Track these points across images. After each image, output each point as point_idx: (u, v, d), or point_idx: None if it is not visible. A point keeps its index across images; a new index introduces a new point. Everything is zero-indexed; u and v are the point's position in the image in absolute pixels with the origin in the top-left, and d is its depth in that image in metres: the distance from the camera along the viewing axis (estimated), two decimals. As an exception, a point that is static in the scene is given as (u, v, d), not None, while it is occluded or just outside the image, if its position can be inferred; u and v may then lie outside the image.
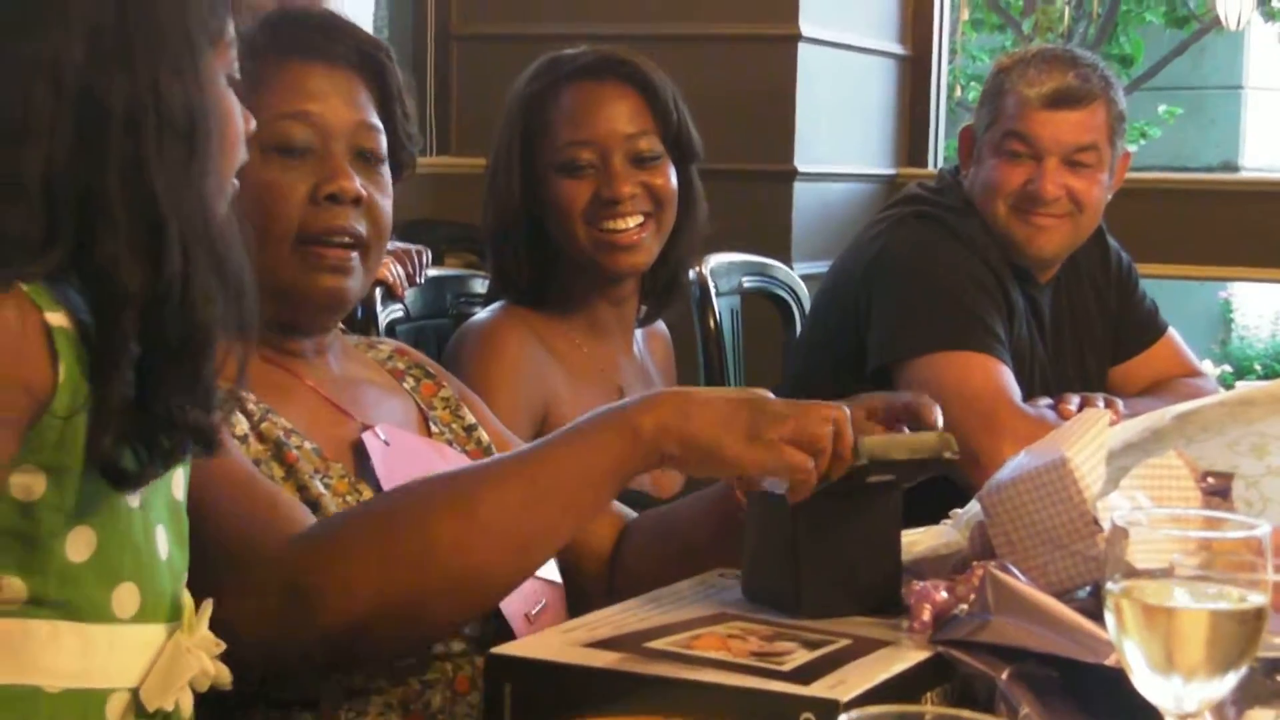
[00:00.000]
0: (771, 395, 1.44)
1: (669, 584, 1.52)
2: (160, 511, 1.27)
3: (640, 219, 2.17)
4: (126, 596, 1.22)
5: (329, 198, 1.61)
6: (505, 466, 1.45)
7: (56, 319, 1.14)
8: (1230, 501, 1.44)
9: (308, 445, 1.60)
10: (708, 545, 1.62)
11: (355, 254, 1.64)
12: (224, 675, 1.29)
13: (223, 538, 1.42)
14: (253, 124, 1.32)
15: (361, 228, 1.64)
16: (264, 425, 1.58)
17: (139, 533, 1.23)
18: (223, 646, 1.29)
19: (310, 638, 1.38)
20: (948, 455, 1.45)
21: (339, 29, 1.68)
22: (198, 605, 1.30)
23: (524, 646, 1.36)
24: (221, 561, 1.40)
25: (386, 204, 1.67)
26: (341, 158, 1.63)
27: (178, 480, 1.29)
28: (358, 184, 1.63)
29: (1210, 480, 1.42)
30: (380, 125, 1.68)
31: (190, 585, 1.33)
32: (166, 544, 1.27)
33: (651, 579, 1.54)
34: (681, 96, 2.24)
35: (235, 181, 1.30)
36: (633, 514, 1.79)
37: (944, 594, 1.39)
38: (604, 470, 1.41)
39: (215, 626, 1.31)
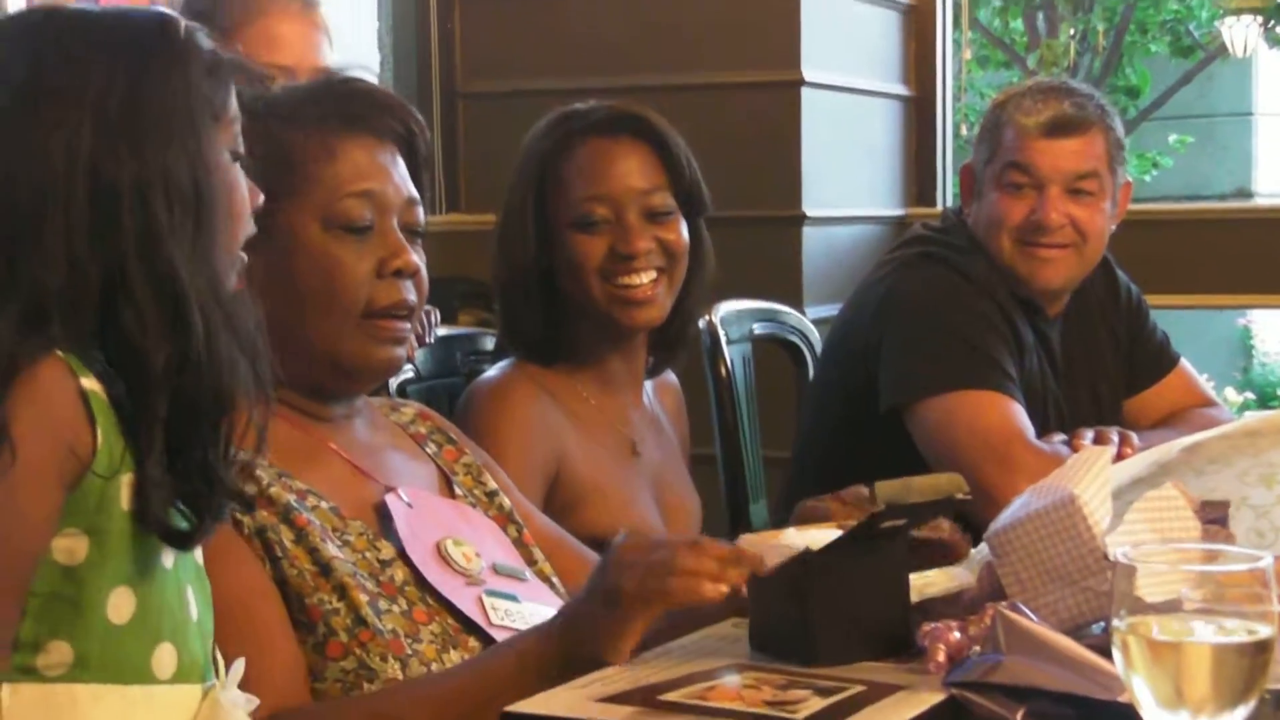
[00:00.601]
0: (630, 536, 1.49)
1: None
2: (189, 573, 1.31)
3: (654, 274, 2.18)
4: (166, 657, 1.26)
5: (395, 273, 1.66)
6: (431, 695, 1.50)
7: (90, 384, 1.20)
8: (1228, 529, 1.44)
9: (324, 505, 1.61)
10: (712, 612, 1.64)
11: (409, 324, 1.70)
12: None
13: None
14: (260, 198, 1.36)
15: (414, 299, 1.69)
16: (273, 490, 1.59)
17: (173, 594, 1.28)
18: (255, 702, 1.32)
19: None
20: (960, 496, 1.47)
21: (384, 103, 1.72)
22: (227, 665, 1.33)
23: (539, 703, 1.36)
24: None
25: (425, 273, 1.72)
26: (398, 233, 1.68)
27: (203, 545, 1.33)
28: (415, 258, 1.68)
29: (1207, 509, 1.43)
30: (419, 198, 1.73)
31: None
32: (196, 605, 1.31)
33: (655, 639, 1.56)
34: (691, 150, 2.26)
35: (243, 254, 1.34)
36: None
37: (957, 634, 1.39)
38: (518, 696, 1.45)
39: None
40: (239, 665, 1.33)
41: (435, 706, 1.48)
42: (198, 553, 1.33)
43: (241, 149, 1.35)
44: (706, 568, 1.44)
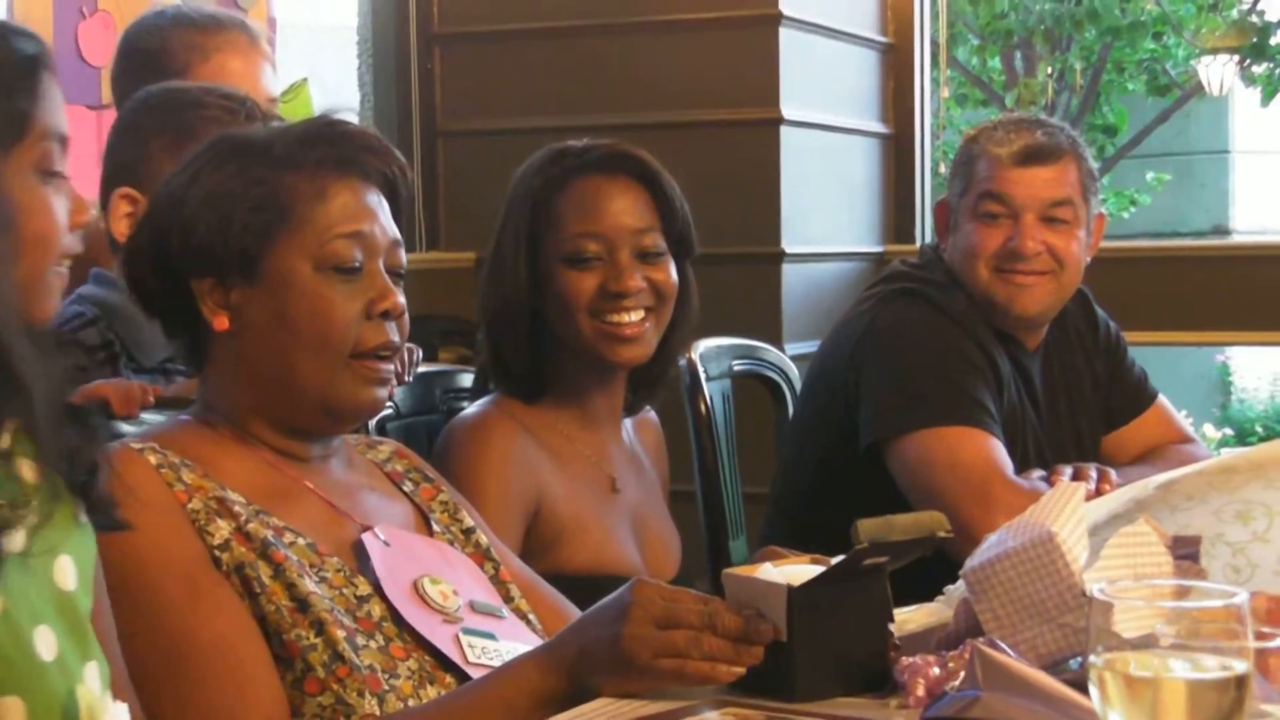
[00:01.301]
0: (641, 592, 1.48)
1: None
2: (41, 610, 1.23)
3: (642, 313, 2.19)
4: (11, 711, 1.18)
5: (382, 315, 1.67)
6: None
7: None
8: (1199, 565, 1.44)
9: (301, 541, 1.61)
10: None
11: (393, 365, 1.71)
12: None
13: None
14: (87, 215, 1.32)
15: (398, 340, 1.71)
16: (251, 525, 1.60)
17: (7, 645, 1.19)
18: None
19: None
20: (942, 534, 1.47)
21: (372, 146, 1.73)
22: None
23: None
24: None
25: (407, 314, 1.73)
26: (384, 275, 1.69)
27: (62, 570, 1.26)
28: (401, 300, 1.69)
29: (1178, 544, 1.43)
30: (401, 240, 1.74)
31: None
32: (53, 642, 1.22)
33: None
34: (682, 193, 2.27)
35: (62, 272, 1.31)
36: None
37: (936, 670, 1.39)
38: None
39: None
40: (122, 710, 1.26)
41: None
42: (65, 579, 1.25)
43: (58, 167, 1.31)
44: (724, 653, 1.44)
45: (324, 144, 1.70)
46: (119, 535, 1.46)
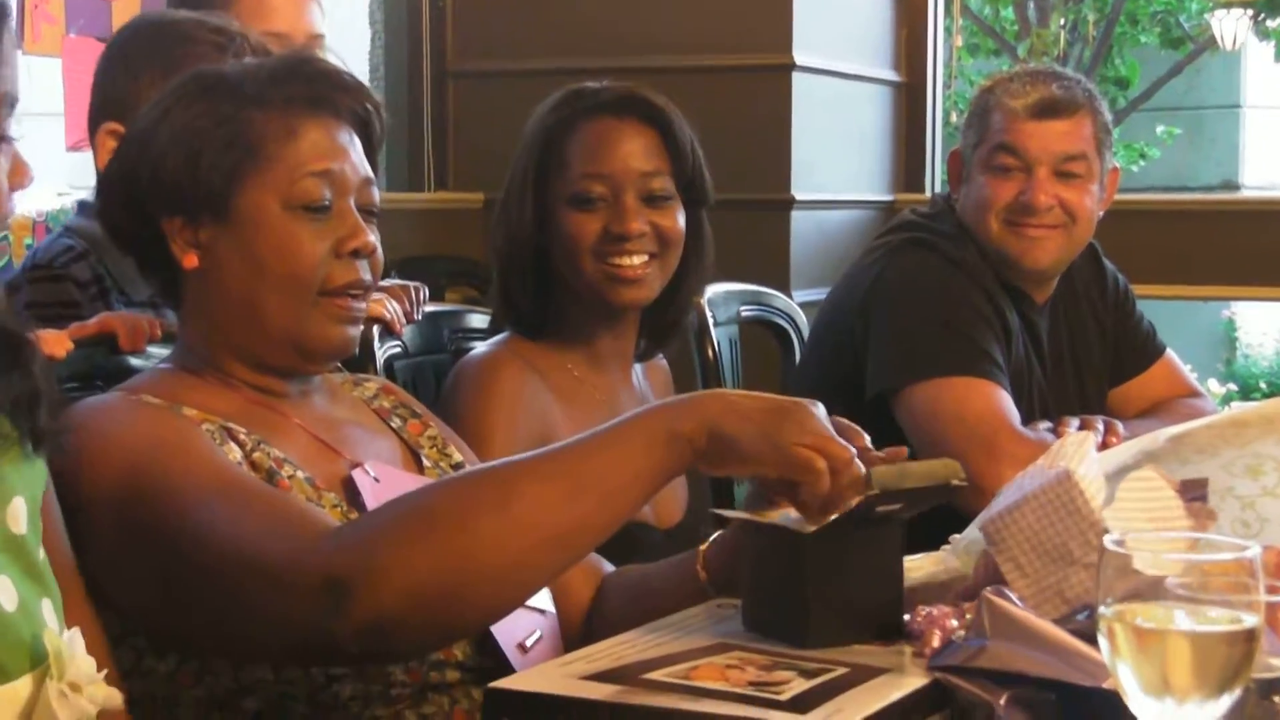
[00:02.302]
0: (819, 408, 1.46)
1: None
2: None
3: (645, 258, 2.18)
4: None
5: (352, 253, 1.66)
6: (547, 464, 1.46)
7: None
8: (1209, 505, 1.44)
9: (300, 475, 1.61)
10: (671, 597, 1.65)
11: (364, 303, 1.69)
12: (114, 699, 1.25)
13: (248, 544, 1.44)
14: (28, 175, 1.30)
15: (369, 278, 1.69)
16: (256, 455, 1.60)
17: None
18: (100, 673, 1.23)
19: (344, 630, 1.39)
20: (956, 482, 1.47)
21: (344, 84, 1.71)
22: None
23: (523, 680, 1.36)
24: (247, 567, 1.43)
25: (381, 253, 1.71)
26: (355, 213, 1.67)
27: (15, 515, 1.25)
28: (372, 238, 1.67)
29: (1186, 488, 1.42)
30: (374, 178, 1.72)
31: (207, 596, 1.38)
32: (13, 591, 1.22)
33: (622, 627, 1.56)
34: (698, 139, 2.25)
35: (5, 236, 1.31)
36: (610, 568, 1.83)
37: (954, 621, 1.39)
38: (644, 472, 1.45)
39: (241, 632, 1.36)
40: (76, 633, 1.24)
41: (548, 471, 1.46)
42: (17, 523, 1.24)
43: (5, 130, 1.26)
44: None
45: (296, 81, 1.67)
46: (142, 458, 1.48)
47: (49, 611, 1.25)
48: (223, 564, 1.44)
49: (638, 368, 2.35)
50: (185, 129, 1.64)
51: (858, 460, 1.43)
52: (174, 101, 1.67)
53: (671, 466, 1.45)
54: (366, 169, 1.70)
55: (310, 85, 1.68)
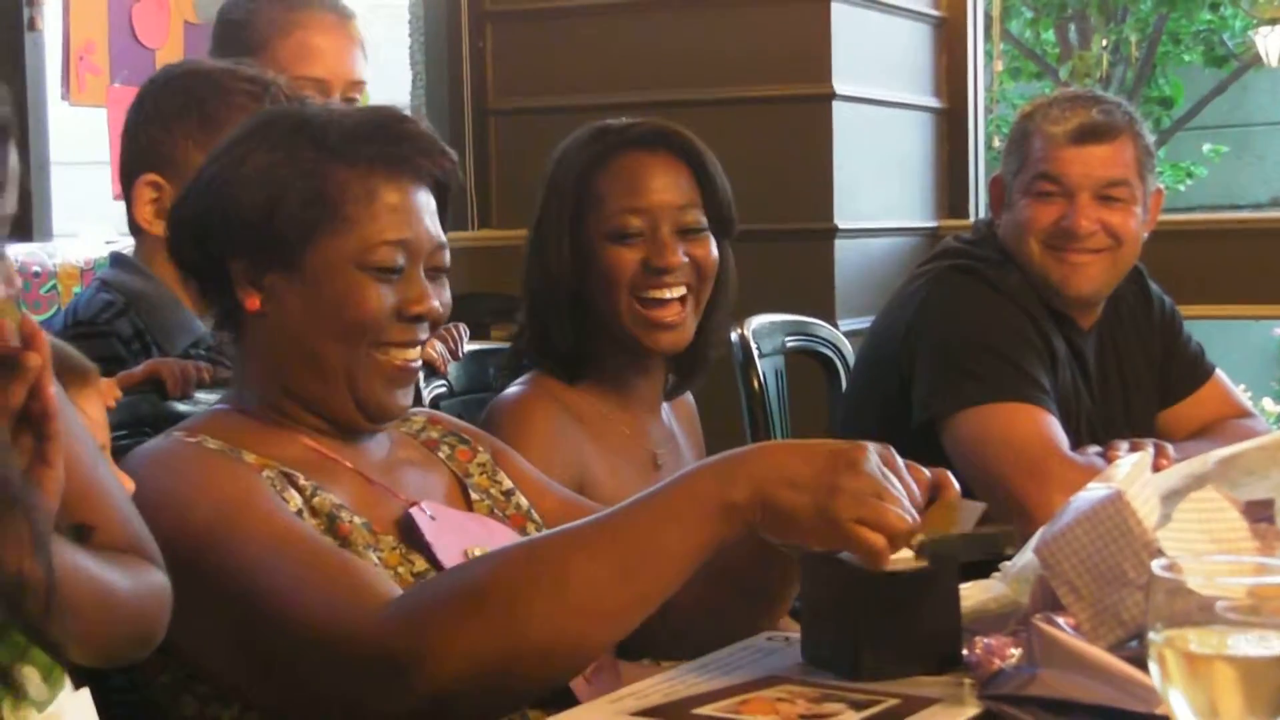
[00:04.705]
0: (870, 454, 1.43)
1: (714, 610, 1.55)
2: None
3: (683, 290, 2.18)
4: None
5: (414, 318, 1.66)
6: (597, 538, 1.47)
7: None
8: (1276, 526, 1.42)
9: (357, 520, 1.62)
10: (748, 569, 1.62)
11: (417, 359, 1.70)
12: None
13: (302, 611, 1.46)
14: (16, 286, 1.28)
15: (425, 337, 1.70)
16: (315, 500, 1.61)
17: None
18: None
19: (399, 708, 1.42)
20: (1009, 552, 1.47)
21: (428, 147, 1.71)
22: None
23: (575, 717, 1.36)
24: (306, 639, 1.45)
25: (446, 310, 1.72)
26: (423, 279, 1.68)
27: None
28: (436, 304, 1.67)
29: (1252, 509, 1.41)
30: (446, 242, 1.72)
31: (268, 658, 1.39)
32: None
33: (697, 604, 1.57)
34: (723, 165, 2.26)
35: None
36: None
37: (1014, 651, 1.37)
38: (695, 549, 1.45)
39: (303, 697, 1.39)
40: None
41: (599, 548, 1.45)
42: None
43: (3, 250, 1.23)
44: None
45: (380, 141, 1.67)
46: (206, 516, 1.49)
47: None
48: (284, 631, 1.47)
49: (664, 405, 2.35)
50: (263, 174, 1.64)
51: (915, 522, 1.41)
52: (255, 144, 1.67)
53: (724, 538, 1.45)
54: (438, 233, 1.70)
55: (395, 146, 1.67)
